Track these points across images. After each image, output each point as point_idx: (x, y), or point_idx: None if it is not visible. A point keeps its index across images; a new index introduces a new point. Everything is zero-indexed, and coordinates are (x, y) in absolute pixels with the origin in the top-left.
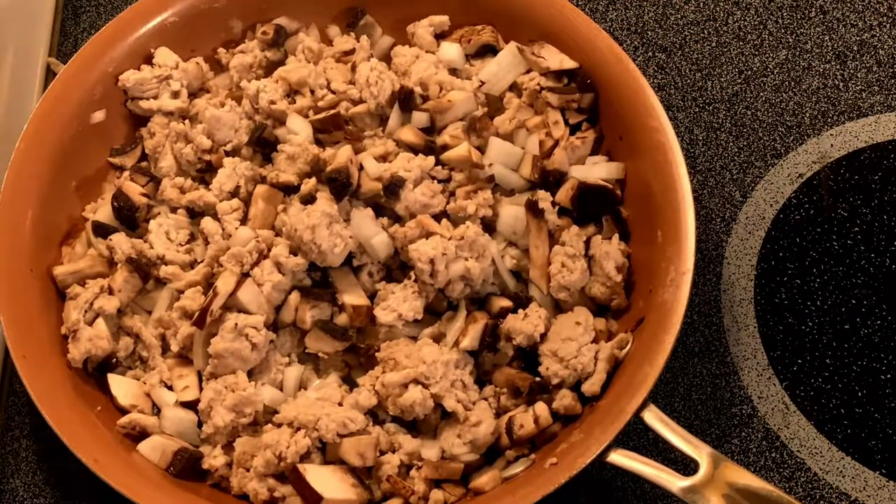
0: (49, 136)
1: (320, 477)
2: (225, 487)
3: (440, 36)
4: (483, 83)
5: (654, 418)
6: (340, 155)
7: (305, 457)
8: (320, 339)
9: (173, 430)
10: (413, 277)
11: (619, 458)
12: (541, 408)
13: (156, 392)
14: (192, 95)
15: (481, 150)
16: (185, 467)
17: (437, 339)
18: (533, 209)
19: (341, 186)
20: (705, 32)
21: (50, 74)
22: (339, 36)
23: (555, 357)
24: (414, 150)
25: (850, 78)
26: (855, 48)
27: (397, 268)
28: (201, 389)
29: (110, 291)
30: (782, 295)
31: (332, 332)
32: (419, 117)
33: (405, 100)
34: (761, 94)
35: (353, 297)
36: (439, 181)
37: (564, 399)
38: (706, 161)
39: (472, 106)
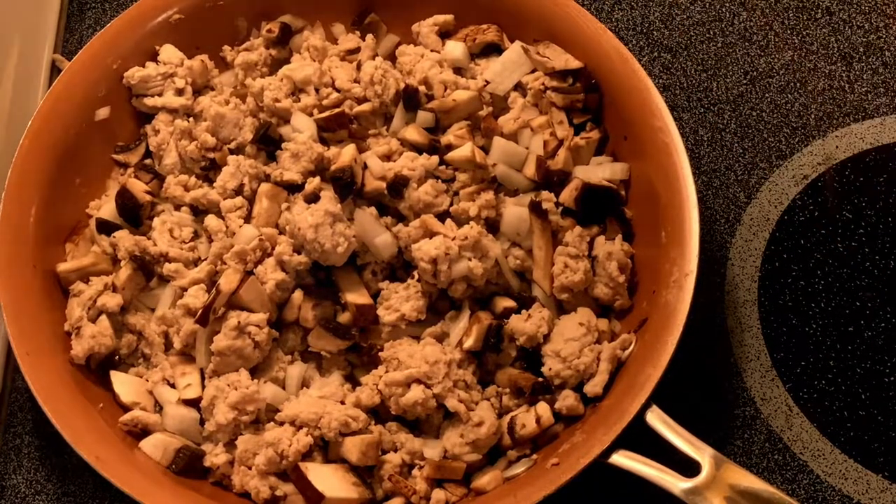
0: (53, 132)
1: (322, 475)
2: (227, 485)
3: (445, 35)
4: (488, 82)
5: (657, 419)
6: (344, 153)
7: (307, 455)
8: (323, 338)
9: (175, 427)
10: (416, 277)
11: (621, 458)
12: (543, 408)
13: (158, 389)
14: (197, 93)
15: (485, 149)
16: (187, 465)
17: (440, 338)
18: (536, 210)
19: (345, 185)
20: (711, 33)
21: (55, 71)
22: (344, 34)
23: (557, 357)
24: (418, 149)
25: (855, 79)
26: (861, 50)
27: (401, 267)
28: (204, 387)
29: (114, 289)
30: (786, 297)
31: (335, 330)
32: (424, 116)
33: (410, 99)
34: (766, 95)
35: (356, 296)
36: (443, 180)
37: (567, 399)
38: (711, 162)
39: (476, 105)
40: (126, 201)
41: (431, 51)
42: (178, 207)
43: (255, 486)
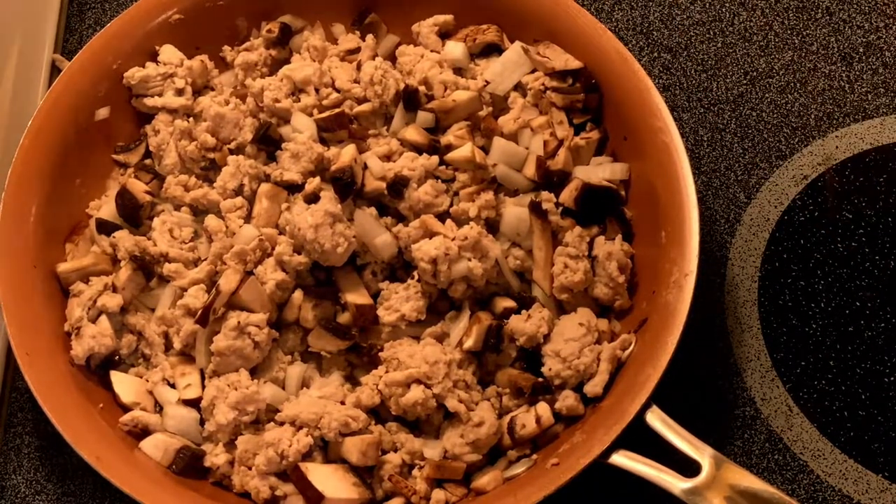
0: (53, 132)
1: (322, 476)
2: (227, 486)
3: (445, 35)
4: (488, 83)
5: (657, 419)
6: (344, 154)
7: (307, 455)
8: (323, 338)
9: (175, 427)
10: (416, 277)
11: (621, 459)
12: (543, 408)
13: (158, 390)
14: (197, 93)
15: (485, 149)
16: (187, 465)
17: (440, 338)
18: (536, 210)
19: (345, 185)
20: (711, 33)
21: (55, 71)
22: (344, 34)
23: (557, 358)
24: (418, 149)
25: (855, 80)
26: (861, 50)
27: (401, 267)
28: (204, 387)
29: (114, 289)
30: (786, 297)
31: (335, 330)
32: (424, 117)
33: (410, 99)
34: (766, 95)
35: (356, 297)
36: (443, 181)
37: (567, 400)
38: (711, 162)
39: (476, 105)
40: (126, 201)
41: (431, 51)
42: (178, 207)
43: (255, 486)
